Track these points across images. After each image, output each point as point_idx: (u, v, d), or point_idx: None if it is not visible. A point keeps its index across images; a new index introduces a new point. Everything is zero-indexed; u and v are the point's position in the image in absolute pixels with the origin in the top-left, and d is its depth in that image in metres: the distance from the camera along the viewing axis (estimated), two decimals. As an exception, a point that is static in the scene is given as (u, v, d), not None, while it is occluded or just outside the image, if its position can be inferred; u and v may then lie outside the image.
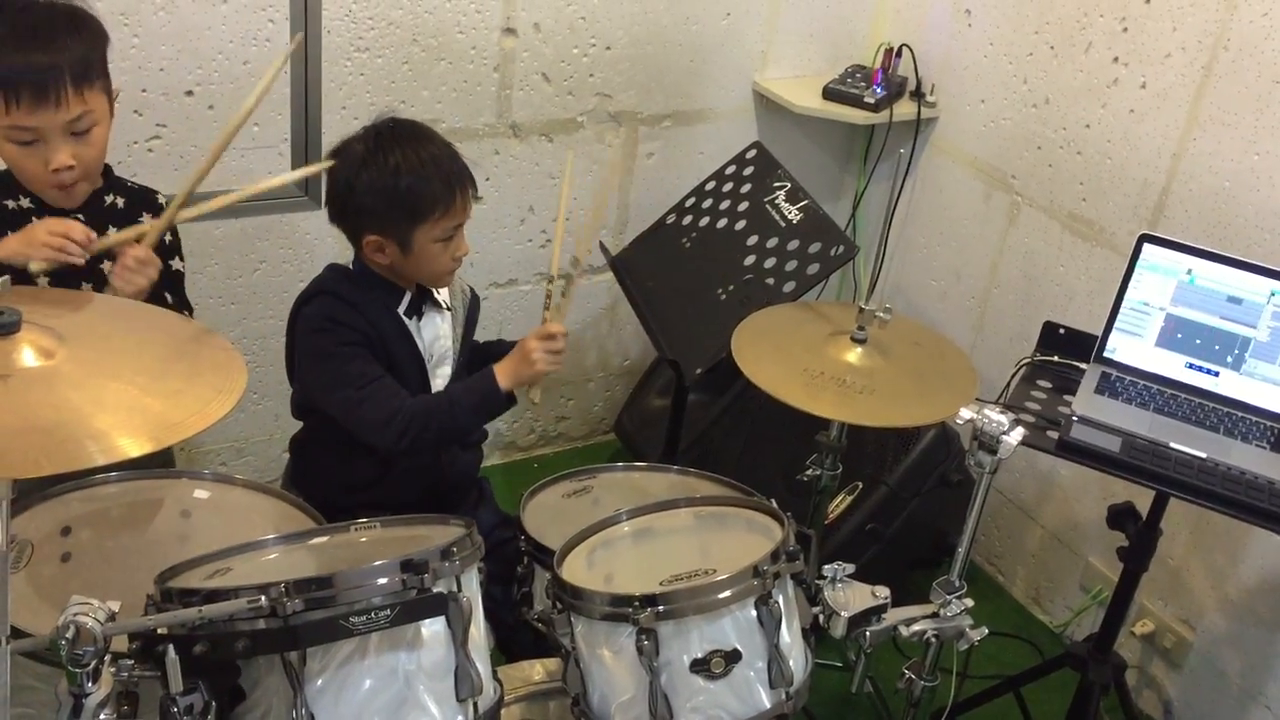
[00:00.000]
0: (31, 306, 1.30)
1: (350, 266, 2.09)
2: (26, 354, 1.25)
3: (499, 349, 2.31)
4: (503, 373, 2.04)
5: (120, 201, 1.96)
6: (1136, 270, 2.16)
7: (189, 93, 2.44)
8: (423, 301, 2.09)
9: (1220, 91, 2.44)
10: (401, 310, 2.06)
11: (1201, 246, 2.15)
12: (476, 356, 2.28)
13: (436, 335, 2.12)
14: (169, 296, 2.01)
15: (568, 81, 2.89)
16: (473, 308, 2.23)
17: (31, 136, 1.76)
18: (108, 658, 1.28)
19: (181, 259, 2.07)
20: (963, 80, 3.04)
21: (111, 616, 1.27)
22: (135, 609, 1.39)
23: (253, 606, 1.32)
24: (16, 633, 1.35)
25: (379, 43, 2.61)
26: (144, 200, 2.00)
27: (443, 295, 2.14)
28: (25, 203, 1.86)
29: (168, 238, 1.99)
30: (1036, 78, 2.84)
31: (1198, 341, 2.13)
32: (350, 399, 1.99)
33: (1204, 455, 1.95)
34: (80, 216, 1.88)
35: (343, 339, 1.99)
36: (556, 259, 2.22)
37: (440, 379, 2.13)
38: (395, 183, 1.94)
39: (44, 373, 1.25)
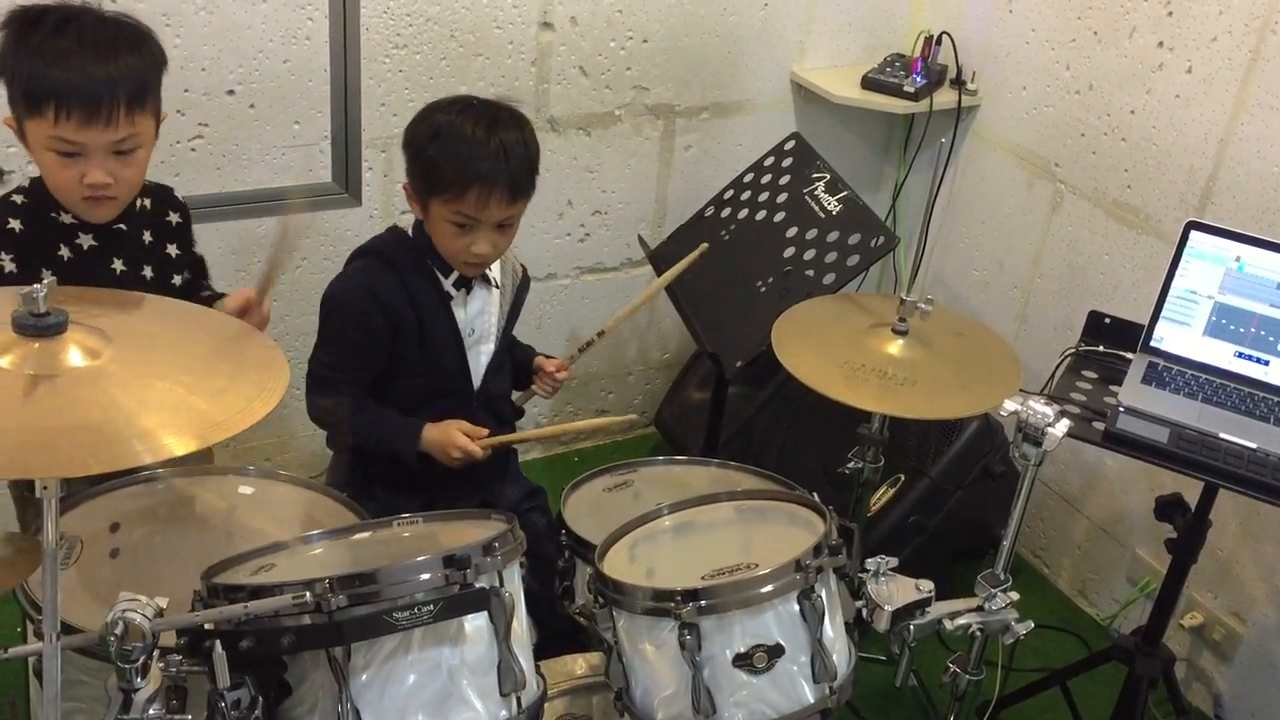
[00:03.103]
0: (78, 307, 1.31)
1: (408, 230, 2.12)
2: (74, 354, 1.27)
3: (523, 355, 2.32)
4: (427, 438, 2.08)
5: (148, 203, 1.95)
6: (1183, 258, 2.13)
7: (230, 92, 2.46)
8: (471, 277, 2.11)
9: (1268, 75, 2.39)
10: (451, 283, 2.08)
11: (1250, 233, 2.12)
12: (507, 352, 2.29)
13: (481, 310, 2.14)
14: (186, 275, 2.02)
15: (605, 75, 2.88)
16: (522, 287, 2.24)
17: (74, 149, 1.74)
18: (156, 653, 1.30)
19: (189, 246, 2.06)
20: (1004, 67, 3.01)
21: (159, 612, 1.28)
22: (183, 604, 1.40)
23: (298, 602, 1.33)
24: (67, 628, 1.37)
25: (417, 39, 2.62)
26: (165, 199, 2.00)
27: (494, 272, 2.15)
28: (67, 219, 1.83)
29: (176, 219, 2.00)
30: (1079, 64, 2.80)
31: (1247, 330, 2.10)
32: (318, 370, 2.08)
33: (1254, 446, 1.92)
34: (123, 226, 1.88)
35: (361, 324, 2.04)
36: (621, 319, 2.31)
37: (484, 355, 2.16)
38: (426, 145, 2.00)
39: (91, 372, 1.26)
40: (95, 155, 1.75)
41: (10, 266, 1.81)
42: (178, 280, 1.98)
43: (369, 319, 2.04)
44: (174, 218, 2.00)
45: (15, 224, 1.82)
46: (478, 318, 2.13)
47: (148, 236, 1.93)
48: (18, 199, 1.85)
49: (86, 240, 1.85)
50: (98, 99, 1.71)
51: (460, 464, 2.07)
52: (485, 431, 2.10)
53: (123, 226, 1.89)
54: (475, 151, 1.98)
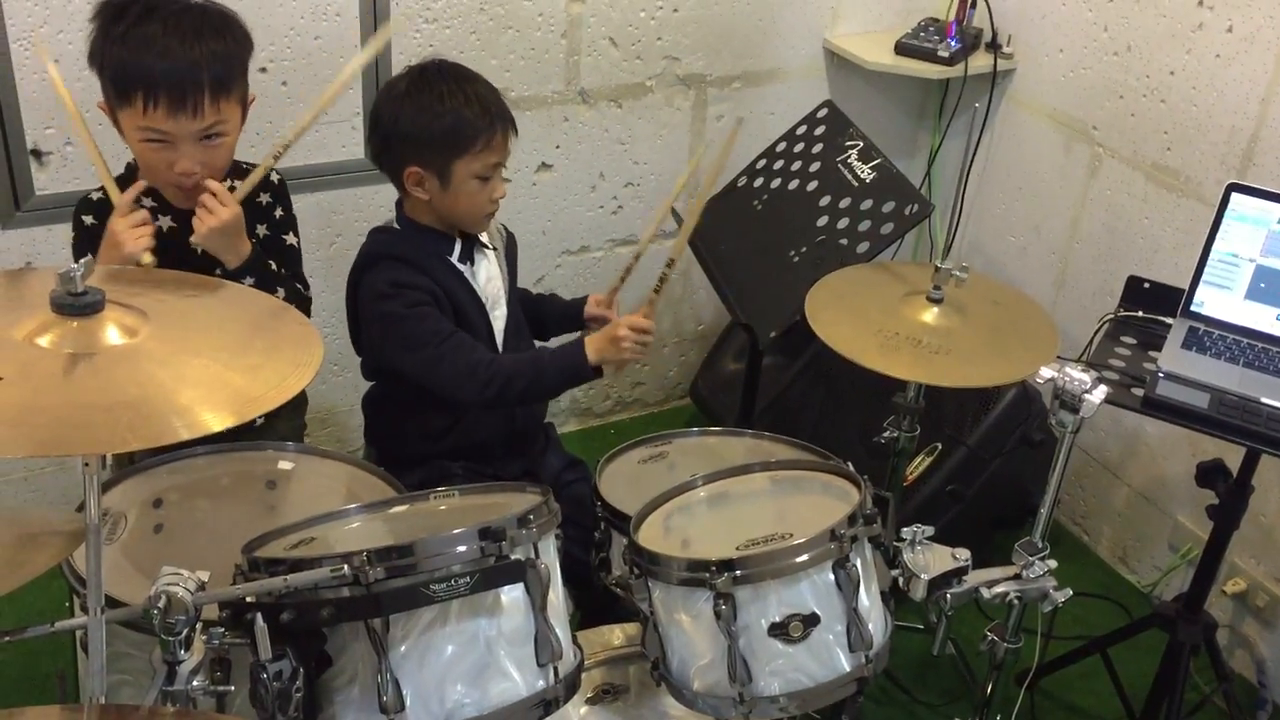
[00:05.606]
0: (114, 286, 1.33)
1: (394, 225, 2.12)
2: (111, 332, 1.28)
3: (556, 306, 2.34)
4: (592, 347, 2.05)
5: (238, 184, 1.96)
6: (1224, 221, 2.10)
7: (262, 69, 2.47)
8: (472, 246, 2.13)
9: (1312, 32, 2.35)
10: (455, 258, 2.10)
11: (1293, 195, 2.08)
12: (528, 308, 2.31)
13: (489, 277, 2.16)
14: (276, 266, 2.01)
15: (635, 46, 2.87)
16: (510, 246, 2.27)
17: (163, 137, 1.80)
18: (199, 626, 1.32)
19: (296, 235, 2.09)
20: (1040, 29, 2.96)
21: (201, 586, 1.30)
22: (224, 578, 1.43)
23: (336, 575, 1.35)
24: (113, 602, 1.40)
25: (447, 13, 2.62)
26: (263, 185, 2.02)
27: (484, 236, 2.18)
28: (148, 202, 1.88)
29: (279, 213, 2.04)
30: (1117, 24, 2.76)
31: (1290, 293, 2.07)
32: (429, 357, 2.02)
33: (1297, 410, 1.90)
34: None
35: (409, 301, 2.03)
36: (683, 243, 2.26)
37: (498, 320, 2.16)
38: (439, 112, 1.99)
39: (128, 350, 1.28)
40: (183, 144, 1.81)
41: None
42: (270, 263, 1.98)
43: (414, 294, 2.03)
44: (264, 198, 2.02)
45: (89, 219, 1.90)
46: (488, 284, 2.15)
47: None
48: (95, 195, 1.92)
49: (165, 222, 1.89)
50: (183, 87, 1.76)
51: (635, 352, 2.04)
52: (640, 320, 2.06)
53: None
54: (479, 99, 2.02)
